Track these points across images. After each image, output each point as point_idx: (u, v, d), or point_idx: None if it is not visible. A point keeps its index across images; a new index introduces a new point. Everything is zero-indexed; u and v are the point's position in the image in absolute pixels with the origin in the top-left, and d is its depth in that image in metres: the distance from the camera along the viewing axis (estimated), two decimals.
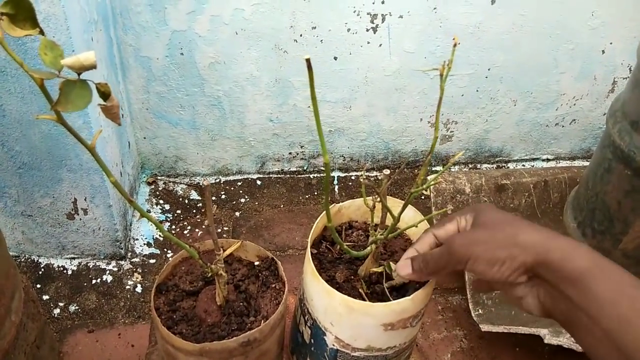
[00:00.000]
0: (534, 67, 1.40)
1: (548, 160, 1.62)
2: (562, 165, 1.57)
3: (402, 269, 0.65)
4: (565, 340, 0.93)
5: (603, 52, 1.40)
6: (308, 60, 0.46)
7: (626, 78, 1.46)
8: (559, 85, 1.45)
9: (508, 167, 1.59)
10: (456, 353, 1.11)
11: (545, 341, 0.94)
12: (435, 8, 1.24)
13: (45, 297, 1.14)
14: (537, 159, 1.61)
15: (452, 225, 0.61)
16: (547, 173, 1.30)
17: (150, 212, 1.34)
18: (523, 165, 1.60)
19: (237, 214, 1.38)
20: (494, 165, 1.59)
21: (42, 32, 0.52)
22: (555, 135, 1.56)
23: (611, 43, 1.38)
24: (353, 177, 1.52)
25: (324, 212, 0.85)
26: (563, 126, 1.54)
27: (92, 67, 0.49)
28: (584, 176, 1.08)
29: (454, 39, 0.51)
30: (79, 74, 0.50)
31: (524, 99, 1.46)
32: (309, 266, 0.77)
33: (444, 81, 0.53)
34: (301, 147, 1.45)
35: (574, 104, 1.50)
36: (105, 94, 0.51)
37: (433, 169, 1.56)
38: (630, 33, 1.37)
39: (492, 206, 0.59)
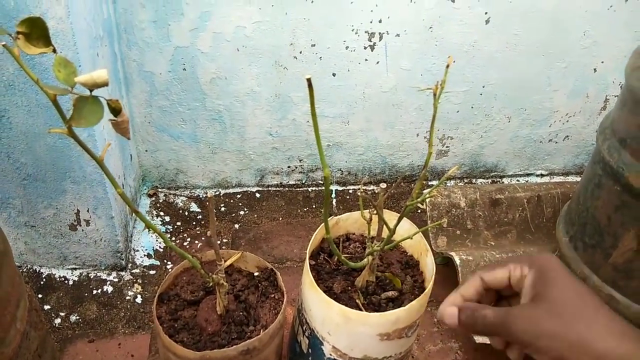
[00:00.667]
0: (527, 85, 1.43)
1: (542, 175, 1.65)
2: (555, 181, 1.60)
3: (449, 317, 0.55)
4: None
5: (595, 70, 1.43)
6: (309, 80, 0.49)
7: (617, 96, 1.49)
8: (552, 102, 1.48)
9: (502, 182, 1.62)
10: None
11: None
12: (431, 27, 1.28)
13: (46, 307, 1.15)
14: (531, 174, 1.64)
15: (503, 274, 0.54)
16: (541, 188, 1.33)
17: None
18: (517, 181, 1.63)
19: (237, 226, 1.40)
20: (489, 180, 1.62)
21: (54, 50, 0.55)
22: (548, 151, 1.59)
23: (603, 62, 1.42)
24: (350, 191, 1.54)
25: (322, 224, 0.88)
26: (556, 142, 1.58)
27: (105, 84, 0.52)
28: (575, 191, 1.11)
29: (448, 58, 0.53)
30: (91, 91, 0.53)
31: (518, 116, 1.49)
32: (308, 277, 0.80)
33: (437, 100, 0.55)
34: (300, 160, 1.48)
35: (567, 121, 1.53)
36: (116, 110, 0.53)
37: (429, 183, 1.59)
38: (621, 52, 1.40)
39: (558, 266, 0.51)
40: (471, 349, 1.15)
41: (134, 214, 1.33)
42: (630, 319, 0.97)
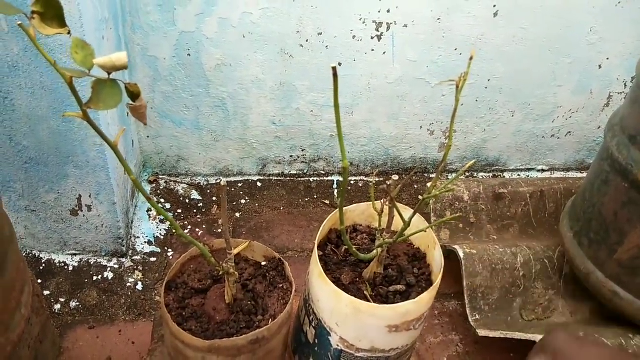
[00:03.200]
0: (532, 80, 1.43)
1: (543, 170, 1.65)
2: (558, 176, 1.60)
3: None
4: None
5: (600, 67, 1.43)
6: (334, 69, 0.48)
7: (621, 93, 1.50)
8: (556, 97, 1.48)
9: (504, 177, 1.62)
10: (452, 357, 1.13)
11: None
12: (439, 19, 1.27)
13: (46, 293, 1.14)
14: (533, 169, 1.64)
15: None
16: (544, 183, 1.33)
17: (150, 211, 1.34)
18: (518, 175, 1.63)
19: (238, 215, 1.40)
20: (491, 174, 1.62)
21: (69, 32, 0.54)
22: (550, 147, 1.60)
23: (608, 58, 1.42)
24: (352, 182, 1.53)
25: (330, 215, 0.87)
26: (559, 138, 1.58)
27: (124, 67, 0.50)
28: (581, 187, 1.11)
29: (471, 53, 0.53)
30: (109, 74, 0.51)
31: (522, 110, 1.49)
32: (317, 268, 0.79)
33: (459, 92, 0.55)
34: (302, 150, 1.47)
35: (570, 117, 1.53)
36: (134, 94, 0.52)
37: (431, 176, 1.59)
38: (626, 49, 1.40)
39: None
40: (471, 341, 1.16)
41: (134, 200, 1.31)
42: (633, 316, 0.98)
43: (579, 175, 1.64)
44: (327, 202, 1.53)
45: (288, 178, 1.52)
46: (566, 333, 0.52)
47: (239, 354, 0.72)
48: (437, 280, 0.79)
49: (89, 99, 0.50)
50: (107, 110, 0.50)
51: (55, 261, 1.20)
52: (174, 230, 1.30)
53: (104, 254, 1.22)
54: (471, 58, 0.54)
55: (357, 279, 0.84)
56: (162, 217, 1.35)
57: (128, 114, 1.27)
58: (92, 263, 1.21)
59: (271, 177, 1.51)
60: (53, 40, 0.90)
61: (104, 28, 1.04)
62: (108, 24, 1.07)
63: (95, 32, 0.99)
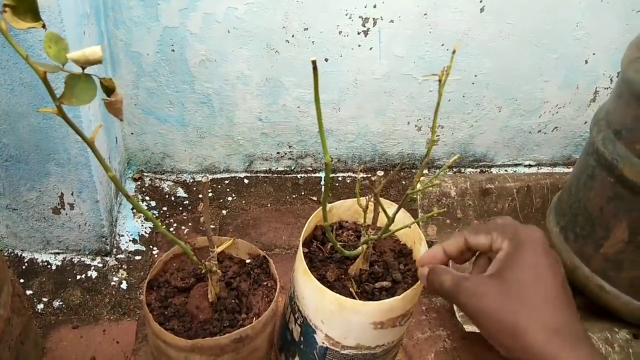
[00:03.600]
0: (519, 75, 1.43)
1: (530, 166, 1.65)
2: (545, 172, 1.60)
3: (420, 276, 0.60)
4: None
5: (586, 62, 1.44)
6: (314, 62, 0.47)
7: (607, 88, 1.50)
8: (543, 93, 1.48)
9: (491, 172, 1.62)
10: (439, 353, 1.13)
11: None
12: (425, 14, 1.26)
13: (28, 292, 1.12)
14: (520, 164, 1.65)
15: (485, 240, 0.55)
16: (530, 178, 1.34)
17: (135, 209, 1.33)
18: (505, 171, 1.63)
19: (224, 212, 1.38)
20: (478, 170, 1.62)
21: (44, 26, 0.52)
22: (537, 142, 1.60)
23: (594, 53, 1.42)
24: (340, 178, 1.53)
25: (315, 212, 0.86)
26: (545, 133, 1.58)
27: (98, 61, 0.49)
28: (567, 182, 1.11)
29: (454, 47, 0.52)
30: (83, 68, 0.50)
31: (509, 106, 1.49)
32: (301, 265, 0.78)
33: (442, 87, 0.54)
34: (289, 147, 1.46)
35: (557, 112, 1.53)
36: (109, 89, 0.51)
37: (414, 171, 1.59)
38: (612, 44, 1.41)
39: (537, 245, 0.51)
40: (459, 337, 1.16)
41: (118, 198, 1.30)
42: (619, 310, 0.99)
43: (566, 170, 1.65)
44: (315, 198, 1.52)
45: (275, 175, 1.51)
46: (541, 235, 0.53)
47: (222, 353, 0.71)
48: None
49: (61, 94, 0.48)
50: (81, 105, 0.49)
51: (38, 260, 1.18)
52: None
53: (87, 252, 1.20)
54: (454, 52, 0.53)
55: (343, 276, 0.83)
56: None
57: None
58: (75, 262, 1.19)
59: (258, 174, 1.50)
60: (32, 35, 0.88)
61: (85, 23, 1.02)
62: (89, 19, 1.05)
63: (75, 27, 0.97)
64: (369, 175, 1.54)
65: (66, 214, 1.13)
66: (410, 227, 0.84)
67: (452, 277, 0.54)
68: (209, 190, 1.43)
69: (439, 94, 0.54)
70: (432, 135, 0.55)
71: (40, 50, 0.89)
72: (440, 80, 0.53)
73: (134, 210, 1.32)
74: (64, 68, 0.50)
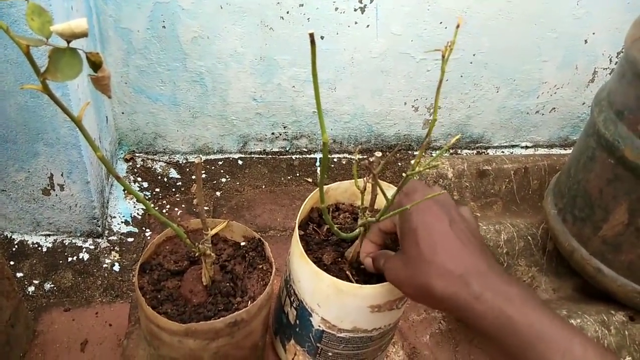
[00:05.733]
0: (518, 55, 1.40)
1: (527, 147, 1.64)
2: (542, 153, 1.59)
3: (367, 265, 0.71)
4: None
5: (586, 41, 1.41)
6: (311, 35, 0.45)
7: (606, 69, 1.48)
8: (541, 73, 1.46)
9: (488, 153, 1.60)
10: (435, 334, 1.13)
11: None
12: None
13: (19, 275, 1.10)
14: (517, 145, 1.63)
15: (390, 223, 0.65)
16: (528, 160, 1.32)
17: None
18: (502, 152, 1.62)
19: (218, 193, 1.36)
20: (474, 151, 1.60)
21: None
22: (534, 123, 1.58)
23: (594, 33, 1.40)
24: (335, 159, 1.51)
25: (312, 194, 0.84)
26: (543, 114, 1.56)
27: (84, 34, 0.46)
28: (566, 164, 1.09)
29: (458, 20, 0.50)
30: (68, 42, 0.47)
31: (507, 86, 1.47)
32: (297, 248, 0.77)
33: (445, 63, 0.52)
34: (284, 127, 1.43)
35: (555, 93, 1.52)
36: (96, 64, 0.48)
37: (415, 153, 1.57)
38: (612, 24, 1.38)
39: (419, 210, 0.58)
40: (454, 319, 1.15)
41: (110, 179, 1.27)
42: (616, 292, 0.98)
43: (563, 152, 1.64)
44: (310, 180, 1.50)
45: (270, 156, 1.49)
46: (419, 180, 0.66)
47: (216, 337, 0.69)
48: None
49: (45, 68, 0.46)
50: (66, 81, 0.46)
51: (29, 242, 1.16)
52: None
53: (78, 234, 1.18)
54: (458, 26, 0.51)
55: (339, 259, 0.82)
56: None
57: None
58: (66, 244, 1.17)
59: (252, 155, 1.48)
60: (17, 9, 0.84)
61: None
62: None
63: (62, 2, 0.93)
64: (365, 157, 1.52)
65: (56, 195, 1.10)
66: (408, 209, 0.83)
67: (383, 259, 0.63)
68: (203, 172, 1.41)
69: (442, 71, 0.52)
70: (434, 114, 0.53)
71: (25, 26, 0.85)
72: (443, 56, 0.51)
73: (126, 192, 1.29)
74: (48, 42, 0.48)
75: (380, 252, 0.66)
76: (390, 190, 0.72)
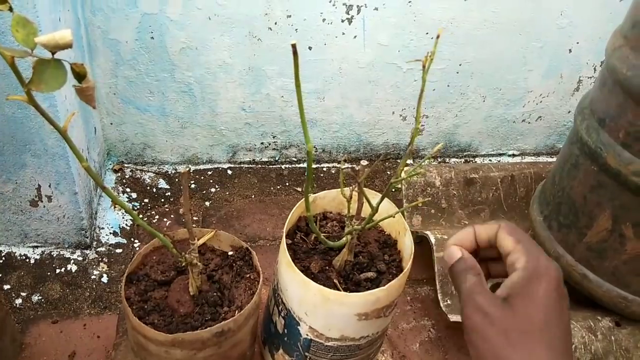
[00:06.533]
0: (503, 64, 1.42)
1: (514, 155, 1.66)
2: (529, 161, 1.60)
3: (447, 256, 0.55)
4: None
5: (570, 51, 1.44)
6: (294, 46, 0.46)
7: (591, 77, 1.50)
8: (527, 82, 1.48)
9: (475, 162, 1.62)
10: (424, 342, 1.13)
11: None
12: (410, 2, 1.25)
13: (6, 287, 1.10)
14: (504, 154, 1.65)
15: (509, 245, 0.51)
16: (514, 168, 1.34)
17: None
18: (490, 160, 1.63)
19: (207, 203, 1.36)
20: (462, 160, 1.62)
21: (11, 9, 0.50)
22: (521, 132, 1.60)
23: (578, 42, 1.42)
24: (325, 169, 1.51)
25: (299, 202, 0.85)
26: (529, 123, 1.58)
27: (68, 46, 0.47)
28: (551, 171, 1.11)
29: (438, 31, 0.51)
30: (53, 53, 0.48)
31: (493, 95, 1.49)
32: (285, 257, 0.77)
33: (426, 72, 0.53)
34: (273, 137, 1.44)
35: (541, 101, 1.53)
36: (80, 75, 0.49)
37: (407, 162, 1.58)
38: (596, 33, 1.41)
39: (552, 290, 0.48)
40: (443, 326, 1.16)
41: (98, 190, 1.27)
42: (602, 298, 0.99)
43: (550, 159, 1.66)
44: (299, 189, 1.50)
45: (259, 165, 1.49)
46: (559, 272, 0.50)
47: (203, 347, 0.69)
48: (407, 266, 0.78)
49: (29, 79, 0.46)
50: (50, 92, 0.46)
51: (16, 254, 1.16)
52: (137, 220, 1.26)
53: (67, 245, 1.17)
54: (437, 37, 0.52)
55: (327, 267, 0.82)
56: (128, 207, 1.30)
57: None
58: (54, 255, 1.17)
59: (242, 165, 1.48)
60: (3, 21, 0.85)
61: (60, 9, 0.99)
62: (65, 5, 1.02)
63: (50, 13, 0.94)
64: (354, 165, 1.52)
65: (44, 206, 1.10)
66: (395, 218, 0.83)
67: (472, 282, 0.51)
68: (192, 182, 1.41)
69: (423, 80, 0.53)
70: (417, 123, 0.54)
71: (12, 37, 0.85)
72: (424, 66, 0.52)
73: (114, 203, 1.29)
74: (33, 53, 0.48)
75: (473, 264, 0.52)
76: (376, 198, 0.73)
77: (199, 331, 0.68)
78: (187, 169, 0.60)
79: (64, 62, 0.48)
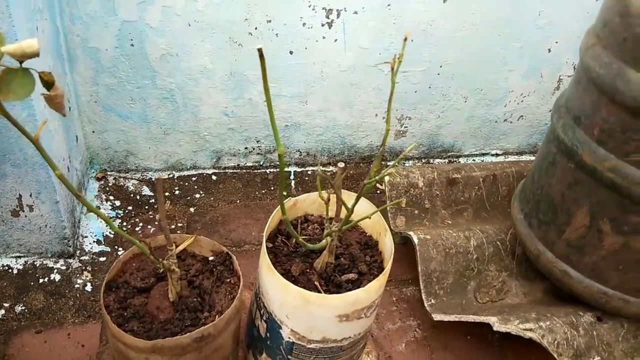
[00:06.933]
0: (483, 65, 1.44)
1: (497, 155, 1.67)
2: (510, 160, 1.62)
3: None
4: (513, 327, 0.97)
5: (549, 50, 1.45)
6: (260, 50, 0.46)
7: (570, 76, 1.52)
8: (508, 82, 1.49)
9: (459, 162, 1.63)
10: (410, 343, 1.13)
11: (495, 328, 0.97)
12: (389, 5, 1.26)
13: None
14: (487, 154, 1.66)
15: None
16: (496, 167, 1.35)
17: (99, 208, 1.30)
18: (473, 160, 1.64)
19: (192, 209, 1.36)
20: (446, 160, 1.63)
21: None
22: (503, 131, 1.61)
23: (557, 42, 1.44)
24: (309, 172, 1.52)
25: (279, 206, 0.85)
26: (511, 122, 1.60)
27: (35, 55, 0.47)
28: (530, 170, 1.12)
29: (405, 32, 0.51)
30: (21, 62, 0.48)
31: (474, 96, 1.50)
32: (265, 260, 0.77)
33: (395, 74, 0.54)
34: (257, 141, 1.44)
35: (522, 101, 1.55)
36: (48, 83, 0.49)
37: (388, 163, 1.59)
38: (574, 32, 1.42)
39: None
40: (429, 326, 1.16)
41: None
42: (583, 294, 1.00)
43: (532, 158, 1.67)
44: (285, 193, 1.51)
45: (244, 170, 1.49)
46: None
47: (184, 352, 0.69)
48: (387, 266, 0.78)
49: None
50: (18, 100, 0.46)
51: None
52: (120, 222, 1.26)
53: (49, 255, 1.17)
54: (405, 39, 0.53)
55: (308, 270, 0.83)
56: (111, 215, 1.30)
57: (70, 107, 1.22)
58: (37, 265, 1.16)
59: (226, 170, 1.48)
60: None
61: (37, 19, 0.99)
62: (42, 14, 1.02)
63: (27, 22, 0.93)
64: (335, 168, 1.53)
65: (25, 216, 1.10)
66: (375, 219, 0.84)
67: None
68: (176, 188, 1.41)
69: (392, 82, 0.53)
70: (387, 124, 0.55)
71: None
72: (392, 68, 0.53)
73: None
74: (1, 63, 0.48)
75: None
76: (352, 199, 0.73)
77: (178, 337, 0.68)
78: (160, 177, 0.60)
79: (31, 70, 0.48)
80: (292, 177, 1.50)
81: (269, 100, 0.48)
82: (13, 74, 0.48)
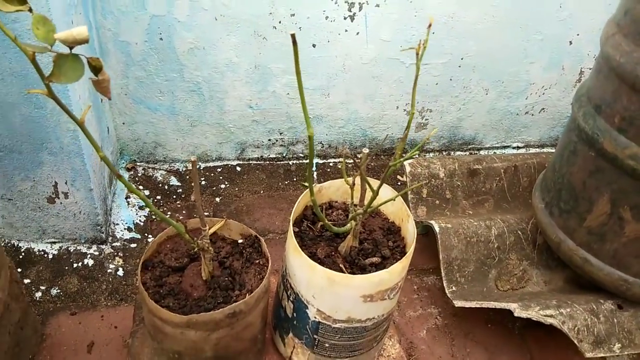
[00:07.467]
0: (505, 57, 1.45)
1: (518, 148, 1.68)
2: (531, 152, 1.62)
3: None
4: (533, 313, 0.98)
5: (571, 43, 1.46)
6: (293, 36, 0.49)
7: (592, 68, 1.52)
8: (529, 74, 1.50)
9: (480, 154, 1.64)
10: (431, 329, 1.16)
11: (516, 314, 0.99)
12: None
13: (26, 281, 1.14)
14: (508, 146, 1.67)
15: None
16: (517, 158, 1.36)
17: (129, 198, 1.34)
18: (494, 153, 1.65)
19: (218, 199, 1.40)
20: (467, 153, 1.64)
21: (30, 10, 0.54)
22: (525, 124, 1.62)
23: (578, 34, 1.44)
24: (331, 164, 1.55)
25: (304, 192, 0.88)
26: (532, 115, 1.60)
27: (85, 41, 0.51)
28: (551, 159, 1.13)
29: (430, 18, 0.54)
30: (71, 48, 0.52)
31: (496, 88, 1.51)
32: (292, 242, 0.80)
33: (420, 59, 0.56)
34: (280, 133, 1.48)
35: (543, 93, 1.56)
36: (96, 68, 0.52)
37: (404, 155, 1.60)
38: (596, 24, 1.42)
39: None
40: (450, 314, 1.18)
41: (112, 187, 1.31)
42: (603, 281, 1.01)
43: (553, 151, 1.67)
44: (307, 184, 1.54)
45: (267, 162, 1.53)
46: None
47: (217, 327, 0.73)
48: (410, 249, 0.81)
49: (50, 72, 0.50)
50: (69, 83, 0.50)
51: (35, 250, 1.20)
52: (149, 210, 1.30)
53: (83, 241, 1.22)
54: (429, 26, 0.55)
55: (333, 253, 0.86)
56: (141, 204, 1.35)
57: (102, 100, 1.26)
58: (71, 250, 1.21)
59: (250, 162, 1.52)
60: (20, 25, 0.89)
61: (72, 13, 1.03)
62: (77, 8, 1.06)
63: (63, 16, 0.98)
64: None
65: (61, 203, 1.14)
66: (397, 206, 0.86)
67: None
68: (202, 178, 1.45)
69: (417, 67, 0.56)
70: (412, 107, 0.57)
71: (28, 39, 0.90)
72: (417, 53, 0.55)
73: (128, 200, 1.33)
74: (52, 49, 0.52)
75: None
76: (376, 185, 0.76)
77: (212, 312, 0.71)
78: (195, 158, 0.64)
79: (81, 56, 0.52)
80: (314, 168, 1.52)
81: (300, 83, 0.51)
82: (64, 59, 0.51)
